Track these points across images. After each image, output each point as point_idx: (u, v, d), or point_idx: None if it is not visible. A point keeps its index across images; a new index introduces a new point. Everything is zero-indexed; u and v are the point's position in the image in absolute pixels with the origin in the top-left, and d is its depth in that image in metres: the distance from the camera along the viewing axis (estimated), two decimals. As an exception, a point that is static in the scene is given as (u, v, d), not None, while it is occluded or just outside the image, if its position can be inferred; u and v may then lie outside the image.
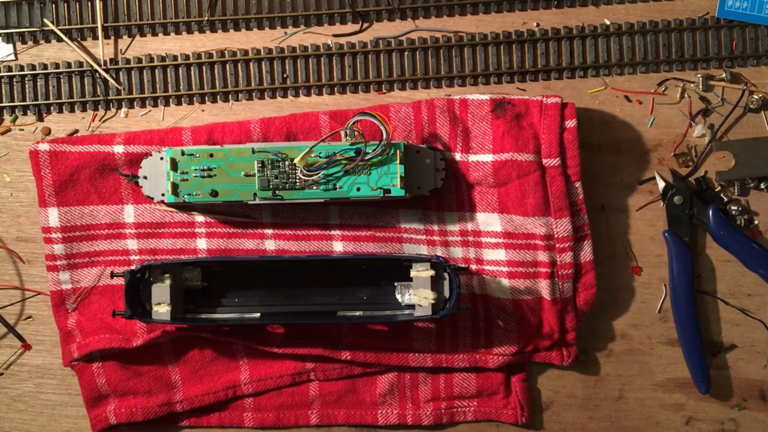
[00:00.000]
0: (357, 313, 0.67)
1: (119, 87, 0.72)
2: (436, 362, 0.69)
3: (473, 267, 0.69)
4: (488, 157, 0.68)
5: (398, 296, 0.67)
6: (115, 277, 0.63)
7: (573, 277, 0.68)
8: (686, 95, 0.72)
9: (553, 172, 0.67)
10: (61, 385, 0.73)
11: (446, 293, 0.63)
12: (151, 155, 0.67)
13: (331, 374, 0.70)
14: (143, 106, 0.72)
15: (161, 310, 0.64)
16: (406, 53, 0.72)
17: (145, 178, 0.67)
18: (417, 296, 0.63)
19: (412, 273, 0.63)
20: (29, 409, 0.73)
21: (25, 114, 0.72)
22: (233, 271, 0.68)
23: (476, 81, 0.72)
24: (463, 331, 0.70)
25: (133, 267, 0.65)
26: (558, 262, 0.68)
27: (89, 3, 0.72)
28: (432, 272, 0.63)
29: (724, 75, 0.71)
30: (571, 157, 0.68)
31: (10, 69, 0.72)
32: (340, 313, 0.67)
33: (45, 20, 0.72)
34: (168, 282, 0.64)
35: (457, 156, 0.69)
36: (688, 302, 0.70)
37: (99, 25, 0.72)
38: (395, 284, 0.67)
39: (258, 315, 0.67)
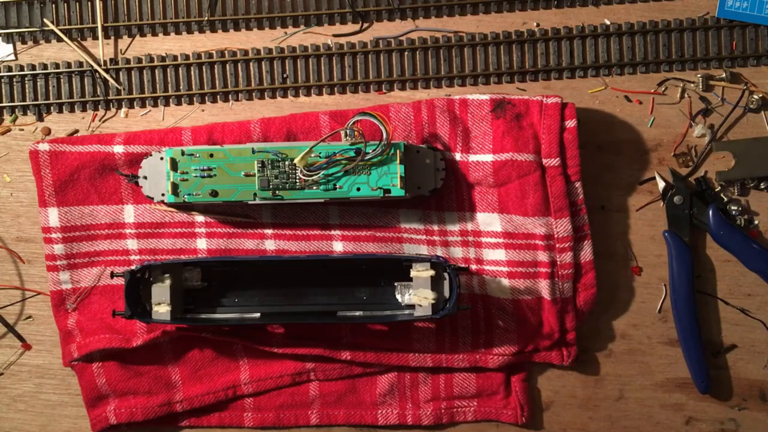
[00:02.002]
0: (357, 313, 0.67)
1: (119, 87, 0.72)
2: (436, 362, 0.69)
3: (473, 267, 0.69)
4: (488, 157, 0.68)
5: (398, 296, 0.67)
6: (115, 277, 0.63)
7: (573, 277, 0.68)
8: (686, 95, 0.71)
9: (553, 172, 0.67)
10: (61, 385, 0.73)
11: (446, 293, 0.63)
12: (151, 155, 0.67)
13: (331, 374, 0.70)
14: (143, 106, 0.72)
15: (161, 310, 0.64)
16: (406, 53, 0.72)
17: (145, 178, 0.67)
18: (417, 296, 0.63)
19: (412, 273, 0.63)
20: (29, 409, 0.73)
21: (25, 114, 0.72)
22: (233, 271, 0.68)
23: (476, 81, 0.72)
24: (463, 331, 0.70)
25: (133, 267, 0.64)
26: (558, 262, 0.68)
27: (89, 3, 0.72)
28: (432, 272, 0.63)
29: (724, 75, 0.71)
30: (571, 157, 0.68)
31: (10, 69, 0.72)
32: (340, 313, 0.67)
33: (45, 20, 0.72)
34: (168, 282, 0.64)
35: (457, 156, 0.69)
36: (688, 302, 0.70)
37: (99, 25, 0.72)
38: (395, 284, 0.67)
39: (258, 315, 0.67)
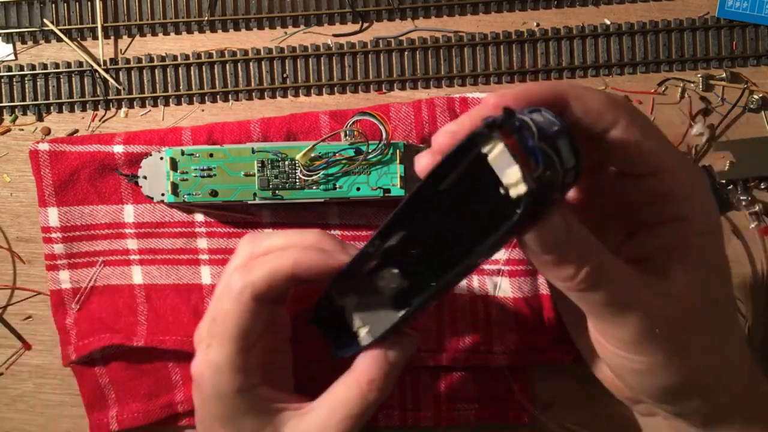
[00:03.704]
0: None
1: (119, 87, 0.72)
2: (437, 361, 0.69)
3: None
4: (488, 157, 0.68)
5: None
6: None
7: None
8: (686, 95, 0.72)
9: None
10: (61, 385, 0.73)
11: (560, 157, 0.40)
12: (150, 155, 0.67)
13: (333, 375, 0.70)
14: (143, 106, 0.72)
15: (362, 333, 0.54)
16: (406, 53, 0.72)
17: (145, 177, 0.67)
18: (507, 180, 0.38)
19: (489, 157, 0.39)
20: (29, 409, 0.73)
21: (25, 114, 0.72)
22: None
23: (476, 81, 0.72)
24: (464, 330, 0.70)
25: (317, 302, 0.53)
26: (558, 262, 0.68)
27: (89, 3, 0.72)
28: (503, 142, 0.38)
29: (724, 75, 0.71)
30: (571, 157, 0.67)
31: (9, 69, 0.72)
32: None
33: (45, 20, 0.72)
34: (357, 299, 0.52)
35: (457, 156, 0.69)
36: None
37: (99, 25, 0.72)
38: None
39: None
